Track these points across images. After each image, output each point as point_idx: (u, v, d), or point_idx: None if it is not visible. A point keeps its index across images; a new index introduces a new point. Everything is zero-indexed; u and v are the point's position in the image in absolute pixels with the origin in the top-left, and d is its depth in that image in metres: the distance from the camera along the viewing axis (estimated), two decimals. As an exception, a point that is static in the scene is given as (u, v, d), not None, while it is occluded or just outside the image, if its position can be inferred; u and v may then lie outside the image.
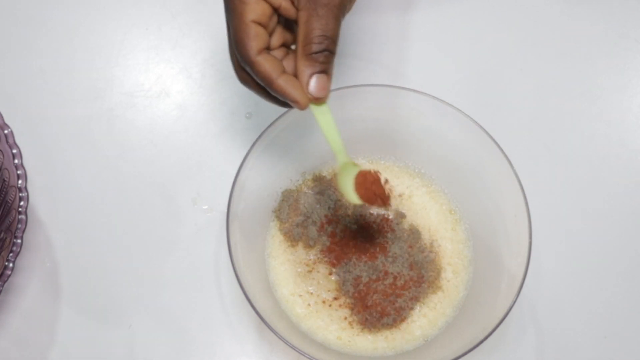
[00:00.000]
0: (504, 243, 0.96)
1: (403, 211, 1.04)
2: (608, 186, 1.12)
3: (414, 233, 1.02)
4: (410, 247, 1.01)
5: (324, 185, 1.05)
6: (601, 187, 1.12)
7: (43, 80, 1.16)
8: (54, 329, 0.99)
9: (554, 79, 1.21)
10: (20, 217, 0.89)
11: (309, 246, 1.01)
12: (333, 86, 0.82)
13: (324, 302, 0.98)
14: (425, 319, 0.97)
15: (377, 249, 1.00)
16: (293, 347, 0.84)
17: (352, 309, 0.97)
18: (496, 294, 0.92)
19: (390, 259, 0.99)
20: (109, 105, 1.15)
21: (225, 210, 0.90)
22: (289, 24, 0.85)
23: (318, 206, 1.02)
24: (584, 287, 1.05)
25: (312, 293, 0.98)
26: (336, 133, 0.86)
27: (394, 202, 1.05)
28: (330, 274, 0.99)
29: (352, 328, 0.96)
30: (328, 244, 1.01)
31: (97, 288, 1.02)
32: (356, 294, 0.97)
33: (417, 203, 1.05)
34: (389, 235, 1.01)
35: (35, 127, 1.12)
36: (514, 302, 0.86)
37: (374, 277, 0.98)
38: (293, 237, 1.01)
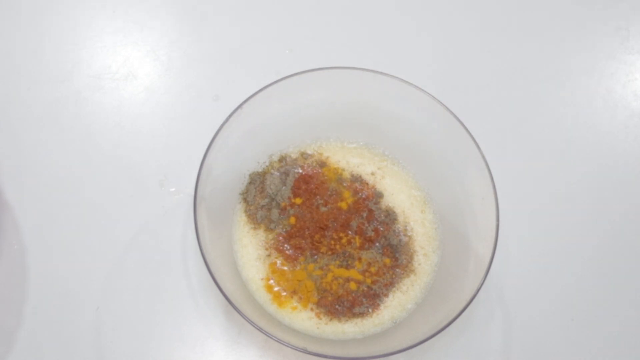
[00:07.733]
0: (471, 226, 0.96)
1: (380, 190, 1.04)
2: (575, 169, 1.13)
3: (391, 215, 1.02)
4: (387, 229, 1.01)
5: (289, 165, 1.04)
6: (569, 170, 1.13)
7: (10, 62, 1.16)
8: (21, 311, 0.98)
9: (522, 61, 1.22)
10: (-15, 199, 0.89)
11: (269, 230, 1.00)
12: (301, 69, 0.82)
13: (287, 289, 0.97)
14: (396, 303, 0.97)
15: (351, 232, 1.00)
16: (260, 330, 0.84)
17: (317, 301, 0.96)
18: (464, 276, 0.92)
19: (366, 244, 0.99)
20: (76, 88, 1.14)
21: (193, 192, 0.90)
22: None
23: (283, 187, 1.02)
24: (551, 270, 1.06)
25: (275, 279, 0.98)
26: None
27: (370, 180, 1.05)
28: (293, 260, 0.99)
29: (320, 319, 0.96)
30: (288, 228, 1.00)
31: (64, 271, 1.01)
32: (324, 284, 0.97)
33: (390, 184, 1.05)
34: (364, 215, 1.01)
35: (2, 109, 1.12)
36: (482, 284, 0.86)
37: (345, 264, 0.98)
38: (256, 219, 1.00)
